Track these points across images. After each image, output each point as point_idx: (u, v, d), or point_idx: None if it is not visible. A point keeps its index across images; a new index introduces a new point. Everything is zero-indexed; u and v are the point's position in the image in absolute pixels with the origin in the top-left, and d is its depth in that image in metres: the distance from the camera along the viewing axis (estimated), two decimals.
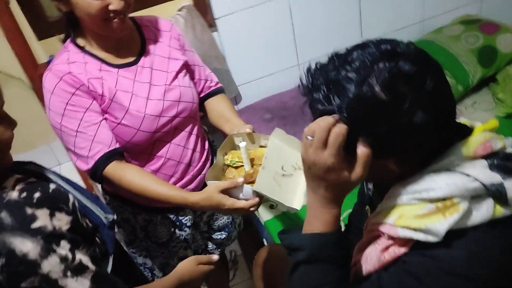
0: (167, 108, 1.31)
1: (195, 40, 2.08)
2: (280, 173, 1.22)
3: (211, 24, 2.13)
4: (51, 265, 0.82)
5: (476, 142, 0.77)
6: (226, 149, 1.31)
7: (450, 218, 0.73)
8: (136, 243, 1.49)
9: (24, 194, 0.84)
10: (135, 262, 1.51)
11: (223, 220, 1.61)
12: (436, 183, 0.75)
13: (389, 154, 0.77)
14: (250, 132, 1.29)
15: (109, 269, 1.01)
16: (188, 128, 1.39)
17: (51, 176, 1.03)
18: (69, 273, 0.84)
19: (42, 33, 2.15)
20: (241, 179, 1.16)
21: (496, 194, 0.73)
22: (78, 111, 1.21)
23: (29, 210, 0.82)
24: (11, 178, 0.90)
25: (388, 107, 0.72)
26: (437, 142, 0.78)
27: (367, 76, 0.72)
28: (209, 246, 1.62)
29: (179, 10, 2.09)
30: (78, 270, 0.86)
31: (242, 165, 1.26)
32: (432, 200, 0.75)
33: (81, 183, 2.15)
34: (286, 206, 1.18)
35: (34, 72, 2.02)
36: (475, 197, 0.74)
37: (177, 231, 1.47)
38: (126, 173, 1.24)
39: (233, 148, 1.32)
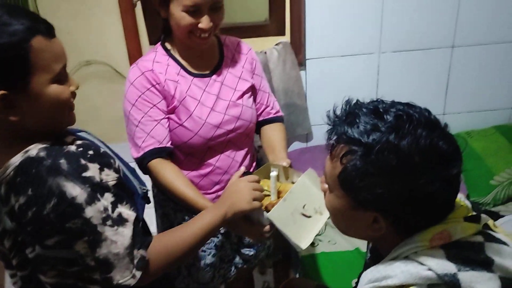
0: (226, 121, 1.42)
1: (283, 73, 2.24)
2: (299, 211, 1.24)
3: (301, 63, 2.29)
4: (93, 211, 0.90)
5: (432, 231, 0.78)
6: (260, 176, 1.35)
7: None
8: None
9: (80, 149, 0.95)
10: None
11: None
12: (392, 271, 0.77)
13: (387, 210, 0.79)
14: (286, 166, 1.36)
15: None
16: (240, 144, 1.50)
17: (100, 144, 1.13)
18: (108, 222, 0.92)
19: (155, 39, 2.42)
20: (259, 203, 1.21)
21: (450, 285, 0.73)
22: (146, 105, 1.35)
23: (83, 161, 0.92)
24: (70, 136, 1.02)
25: (415, 168, 0.74)
26: (431, 218, 0.80)
27: (408, 134, 0.74)
28: (236, 259, 1.67)
29: (276, 44, 2.27)
30: (118, 221, 0.94)
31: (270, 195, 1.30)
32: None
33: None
34: (292, 241, 1.19)
35: None
36: (432, 286, 0.75)
37: None
38: (164, 169, 1.35)
39: (266, 177, 1.35)
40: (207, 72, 1.44)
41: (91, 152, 0.95)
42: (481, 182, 2.21)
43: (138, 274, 0.96)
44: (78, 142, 0.99)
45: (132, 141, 1.40)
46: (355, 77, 2.31)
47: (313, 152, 2.35)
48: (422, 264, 0.76)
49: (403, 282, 0.76)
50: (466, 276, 0.74)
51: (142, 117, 1.36)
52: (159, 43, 1.45)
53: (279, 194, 1.29)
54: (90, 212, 0.90)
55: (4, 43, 0.84)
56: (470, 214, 0.85)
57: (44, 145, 0.94)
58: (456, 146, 0.78)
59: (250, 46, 1.56)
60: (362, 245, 1.95)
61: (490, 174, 2.21)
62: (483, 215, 0.86)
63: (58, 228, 0.90)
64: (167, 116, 1.39)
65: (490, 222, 0.89)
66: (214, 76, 1.44)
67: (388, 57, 2.28)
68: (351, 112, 0.80)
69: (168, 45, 1.43)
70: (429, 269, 0.75)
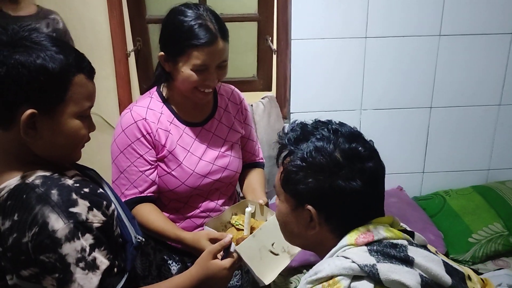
0: (214, 171, 1.46)
1: (268, 126, 2.32)
2: (267, 248, 1.27)
3: (285, 117, 2.38)
4: (71, 249, 0.88)
5: (357, 232, 0.91)
6: (237, 210, 1.41)
7: None
8: (148, 279, 1.58)
9: (77, 184, 0.95)
10: None
11: (233, 281, 1.66)
12: (322, 266, 0.89)
13: (319, 202, 0.92)
14: (262, 204, 1.41)
15: (120, 285, 1.02)
16: (224, 190, 1.54)
17: (104, 186, 1.13)
18: (81, 264, 0.89)
19: (145, 90, 2.50)
20: (230, 235, 1.23)
21: (370, 274, 0.83)
22: (134, 154, 1.37)
23: (74, 196, 0.91)
24: (73, 170, 1.03)
25: (337, 163, 0.90)
26: (357, 215, 0.92)
27: (332, 140, 0.93)
28: None
29: (262, 98, 2.37)
30: (91, 266, 0.91)
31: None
32: (320, 281, 0.88)
33: None
34: (256, 276, 1.21)
35: None
36: (357, 277, 0.85)
37: None
38: (143, 209, 1.39)
39: (243, 212, 1.38)
40: (200, 121, 1.48)
41: (86, 189, 0.95)
42: (460, 239, 2.23)
43: None
44: (78, 178, 0.99)
45: (114, 184, 1.42)
46: None
47: None
48: (346, 258, 0.87)
49: (330, 274, 0.86)
50: (384, 266, 0.83)
51: (128, 166, 1.38)
52: (154, 88, 1.46)
53: (252, 230, 1.32)
54: (67, 249, 0.88)
55: (53, 68, 0.90)
56: (402, 228, 0.96)
57: (43, 174, 0.95)
58: (373, 149, 0.96)
59: (243, 96, 1.62)
60: None
61: (468, 232, 2.23)
62: (422, 237, 0.95)
63: (33, 259, 0.89)
64: (154, 165, 1.41)
65: (432, 248, 0.97)
66: (206, 126, 1.48)
67: (369, 114, 2.38)
68: (294, 128, 1.00)
69: (164, 92, 1.44)
70: (352, 262, 0.85)
